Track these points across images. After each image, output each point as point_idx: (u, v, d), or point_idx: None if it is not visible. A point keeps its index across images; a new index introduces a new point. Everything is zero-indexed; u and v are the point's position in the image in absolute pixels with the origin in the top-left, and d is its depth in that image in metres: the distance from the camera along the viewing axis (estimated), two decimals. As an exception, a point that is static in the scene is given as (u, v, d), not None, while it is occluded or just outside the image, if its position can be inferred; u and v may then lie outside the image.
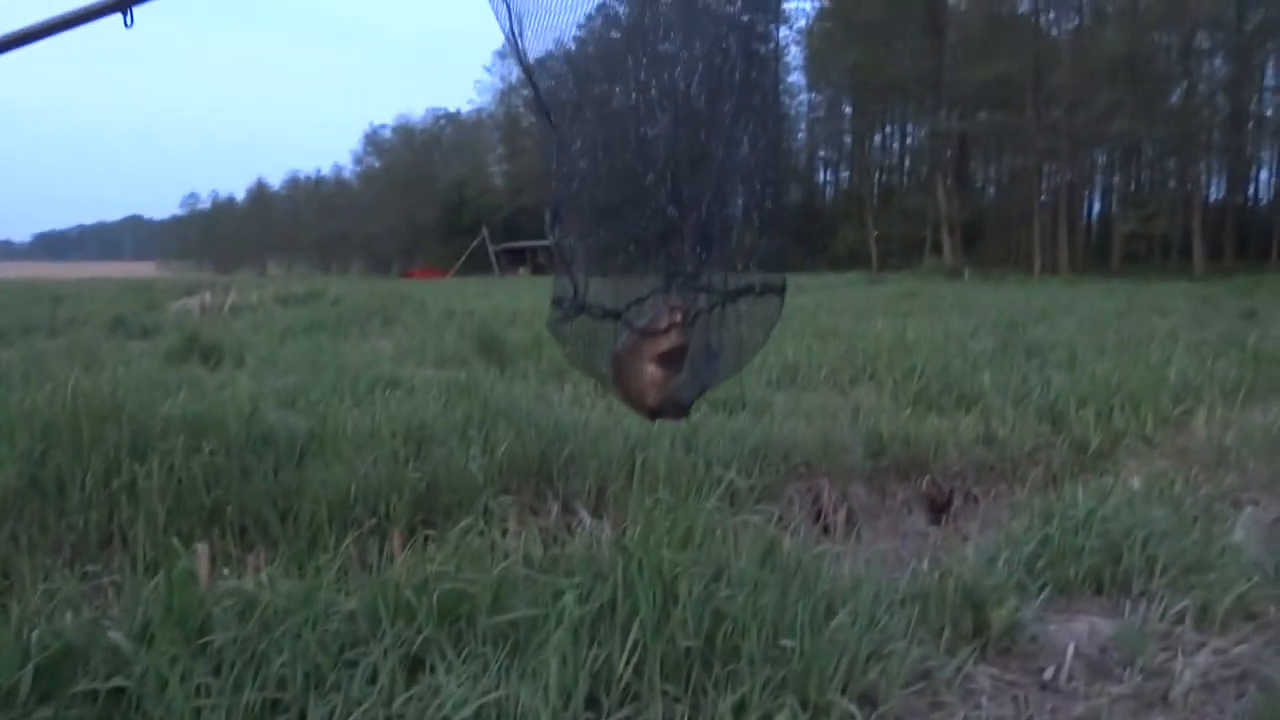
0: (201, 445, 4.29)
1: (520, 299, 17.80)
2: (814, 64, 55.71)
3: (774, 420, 5.89)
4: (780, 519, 5.07)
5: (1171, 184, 43.07)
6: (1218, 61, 41.81)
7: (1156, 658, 2.81)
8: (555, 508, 4.79)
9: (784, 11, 54.17)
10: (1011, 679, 2.77)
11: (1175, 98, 40.07)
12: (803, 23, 52.55)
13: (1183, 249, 39.12)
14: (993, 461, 5.64)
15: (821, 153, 67.54)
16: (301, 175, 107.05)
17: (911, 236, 46.65)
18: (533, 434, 5.05)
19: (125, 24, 1.12)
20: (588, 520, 4.70)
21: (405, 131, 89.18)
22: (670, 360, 1.30)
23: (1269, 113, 44.50)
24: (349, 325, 12.45)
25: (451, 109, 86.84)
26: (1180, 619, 3.03)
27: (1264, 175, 50.96)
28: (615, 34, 1.44)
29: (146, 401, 4.84)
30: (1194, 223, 36.24)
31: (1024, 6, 43.45)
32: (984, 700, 2.64)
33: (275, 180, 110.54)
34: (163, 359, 8.61)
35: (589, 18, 1.37)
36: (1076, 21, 42.27)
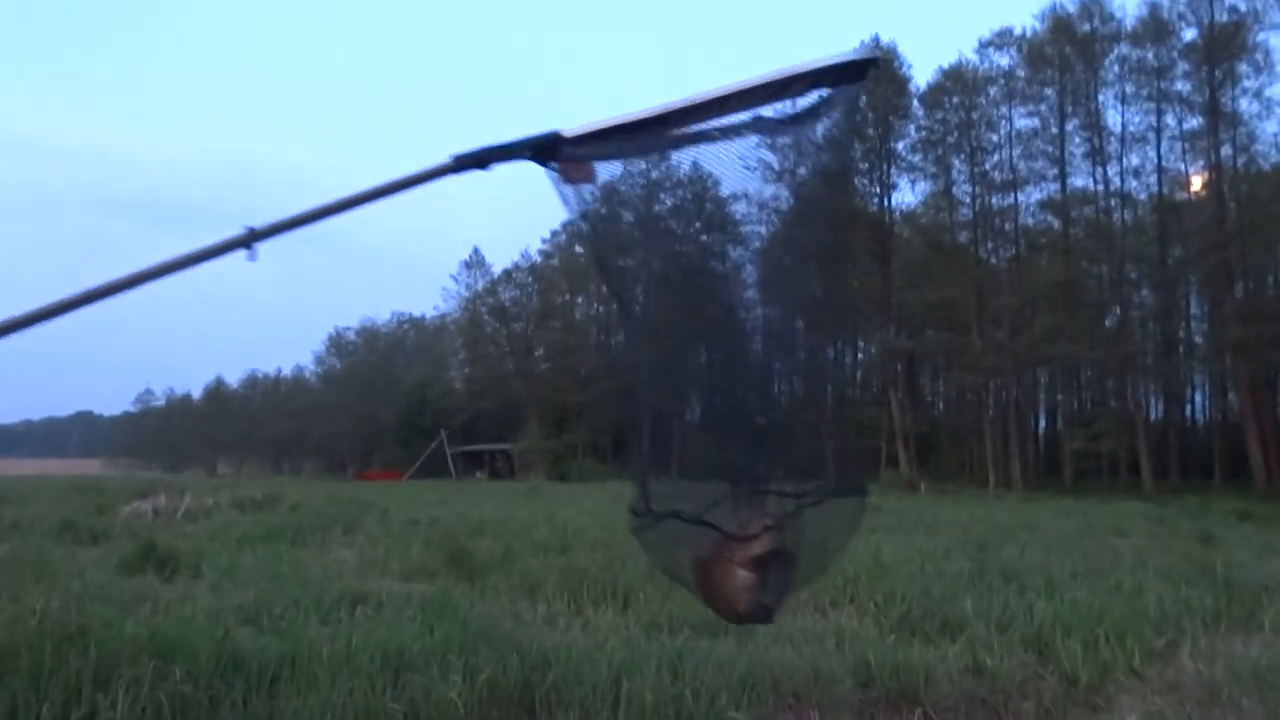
0: (170, 671, 4.06)
1: (482, 506, 17.58)
2: (766, 282, 58.51)
3: (759, 645, 5.75)
4: (771, 755, 4.90)
5: (1113, 404, 44.78)
6: (1145, 291, 44.85)
7: None
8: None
9: (741, 232, 57.77)
10: None
11: (1110, 323, 42.43)
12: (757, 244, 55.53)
13: (1131, 467, 40.17)
14: (983, 694, 5.49)
15: (777, 365, 69.62)
16: (260, 374, 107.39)
17: (867, 449, 47.46)
18: (515, 660, 4.86)
19: (249, 258, 1.18)
20: (573, 756, 4.49)
21: (369, 334, 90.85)
22: (761, 565, 1.29)
23: (1197, 339, 47.29)
24: (309, 533, 12.12)
25: (416, 313, 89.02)
26: None
27: (1198, 398, 53.56)
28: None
29: (112, 620, 4.61)
30: (1140, 442, 37.42)
31: (963, 236, 46.58)
32: None
33: (234, 378, 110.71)
34: (117, 569, 8.26)
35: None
36: (1013, 250, 45.27)
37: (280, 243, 1.20)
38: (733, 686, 5.00)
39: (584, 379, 57.40)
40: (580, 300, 66.71)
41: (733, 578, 1.30)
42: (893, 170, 46.02)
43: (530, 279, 68.35)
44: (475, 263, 67.69)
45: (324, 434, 79.90)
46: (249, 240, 1.24)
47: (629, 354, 1.45)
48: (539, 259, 67.79)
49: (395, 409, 72.02)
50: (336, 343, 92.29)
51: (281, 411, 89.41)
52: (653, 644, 5.69)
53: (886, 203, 46.60)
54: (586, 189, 1.27)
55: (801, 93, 1.07)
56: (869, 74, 1.07)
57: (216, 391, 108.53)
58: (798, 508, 1.30)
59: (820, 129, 1.12)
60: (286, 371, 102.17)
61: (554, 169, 1.30)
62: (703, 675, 5.03)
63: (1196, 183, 41.47)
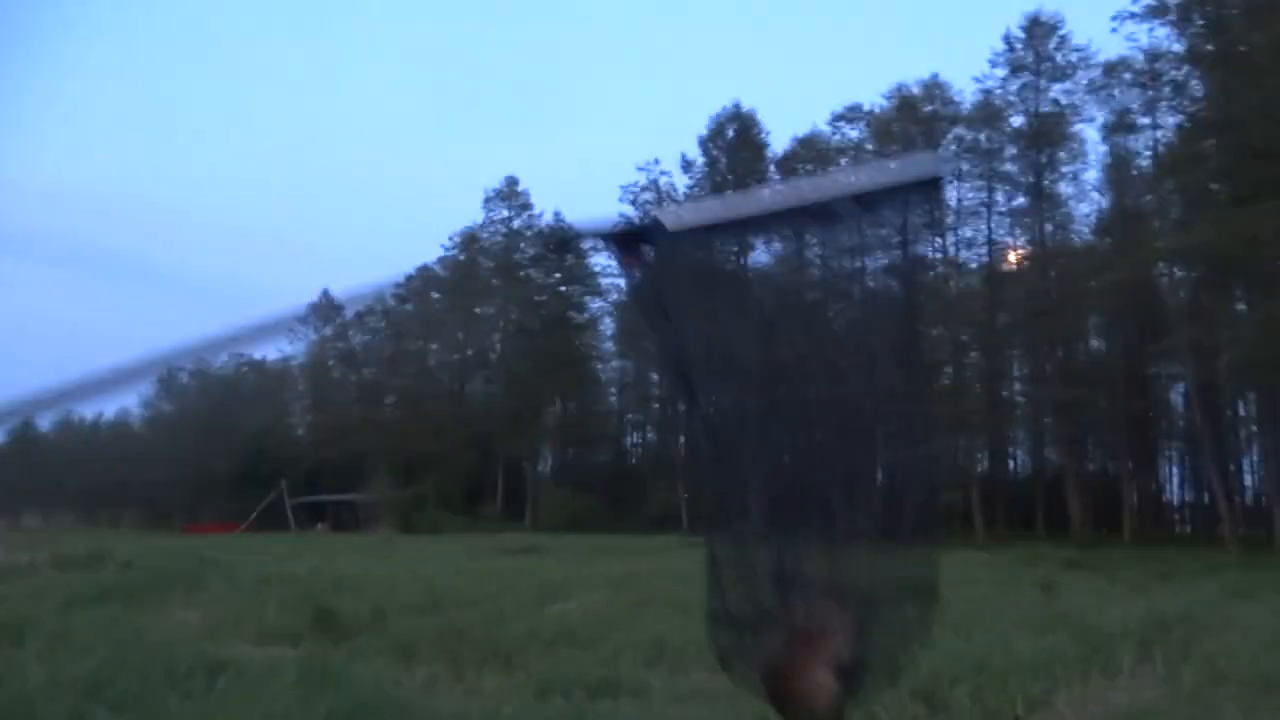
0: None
1: (335, 561, 16.67)
2: (626, 335, 59.26)
3: (657, 705, 5.61)
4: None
5: (949, 459, 47.31)
6: (974, 354, 47.96)
7: None
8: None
9: (598, 284, 57.53)
10: None
11: (947, 381, 45.02)
12: (615, 296, 56.43)
13: (964, 518, 42.43)
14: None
15: (629, 416, 70.24)
16: (76, 417, 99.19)
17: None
18: (411, 732, 4.54)
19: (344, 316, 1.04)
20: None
21: (204, 376, 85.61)
22: (844, 672, 1.19)
23: (1019, 399, 50.79)
24: (146, 593, 11.12)
25: (256, 356, 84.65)
26: None
27: (1018, 454, 57.51)
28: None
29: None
30: (973, 495, 39.62)
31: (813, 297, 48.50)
32: None
33: (44, 422, 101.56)
34: (-77, 637, 7.28)
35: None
36: (859, 314, 47.46)
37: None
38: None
39: (437, 427, 55.94)
40: (435, 347, 65.31)
41: (812, 682, 1.20)
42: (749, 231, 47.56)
43: (383, 323, 66.49)
44: (324, 305, 65.33)
45: (148, 483, 74.33)
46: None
47: (696, 443, 1.34)
48: (392, 303, 66.05)
49: (230, 457, 67.88)
50: (167, 385, 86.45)
51: (100, 458, 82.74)
52: (549, 709, 5.46)
53: (743, 262, 48.01)
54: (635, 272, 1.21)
55: (882, 201, 1.10)
56: (940, 186, 1.12)
57: (23, 436, 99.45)
58: (873, 607, 1.22)
59: (893, 229, 1.15)
60: (109, 414, 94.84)
61: (614, 251, 1.24)
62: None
63: (1021, 256, 44.95)
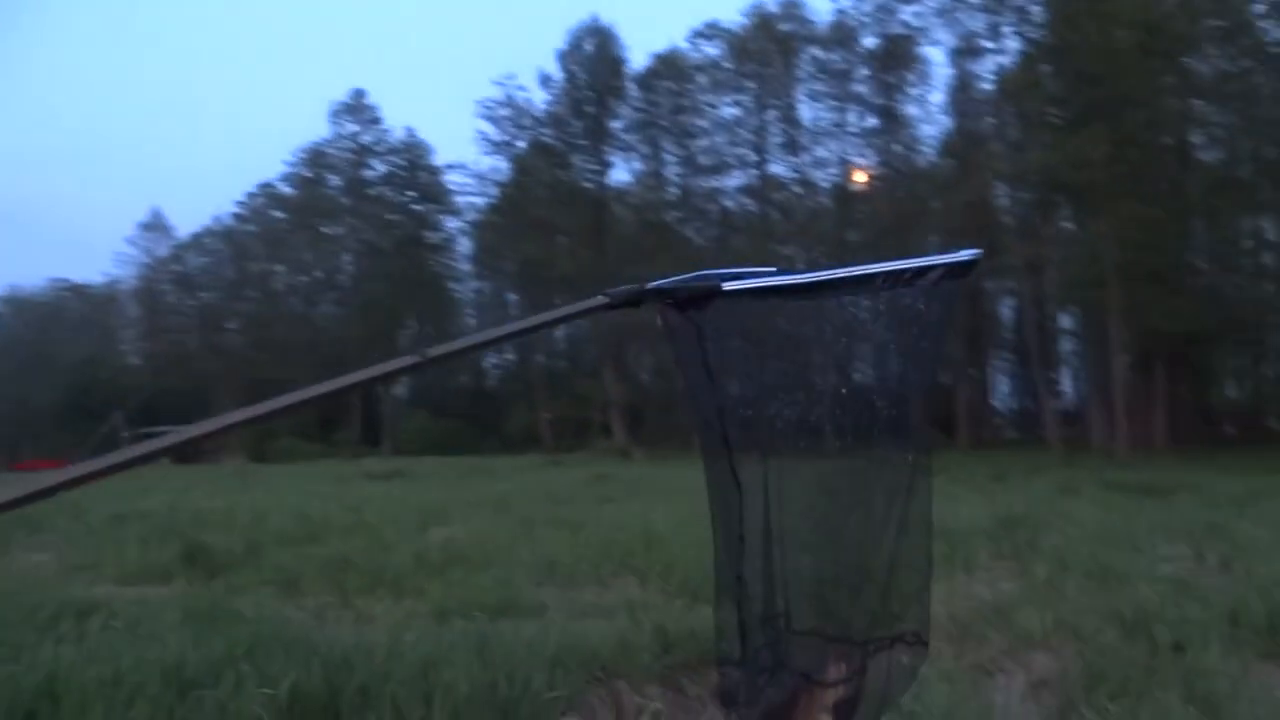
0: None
1: (191, 493, 15.92)
2: (484, 255, 58.15)
3: (560, 623, 5.69)
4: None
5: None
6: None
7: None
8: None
9: (453, 203, 55.94)
10: None
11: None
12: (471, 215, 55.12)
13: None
14: (771, 650, 5.81)
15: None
16: None
17: (581, 418, 48.70)
18: (316, 663, 4.43)
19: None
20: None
21: (19, 303, 78.79)
22: (840, 711, 1.25)
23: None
24: (-16, 536, 10.30)
25: (79, 280, 78.44)
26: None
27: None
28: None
29: None
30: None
31: (672, 216, 48.95)
32: None
33: None
34: None
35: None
36: (717, 231, 48.30)
37: None
38: (543, 666, 4.91)
39: (285, 352, 53.68)
40: (280, 269, 62.15)
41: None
42: (609, 149, 47.28)
43: (224, 245, 62.64)
44: (155, 226, 60.97)
45: (-40, 419, 68.52)
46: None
47: (724, 493, 1.34)
48: (233, 223, 62.23)
49: (55, 389, 63.22)
50: (-24, 312, 79.22)
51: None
52: (451, 632, 5.44)
53: (603, 181, 47.79)
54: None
55: (925, 275, 1.16)
56: (974, 269, 1.23)
57: None
58: (869, 652, 1.27)
59: (934, 302, 1.21)
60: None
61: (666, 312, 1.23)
62: (513, 659, 4.89)
63: (868, 175, 46.54)
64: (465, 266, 62.97)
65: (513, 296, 65.44)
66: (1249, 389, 47.37)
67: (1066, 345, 53.18)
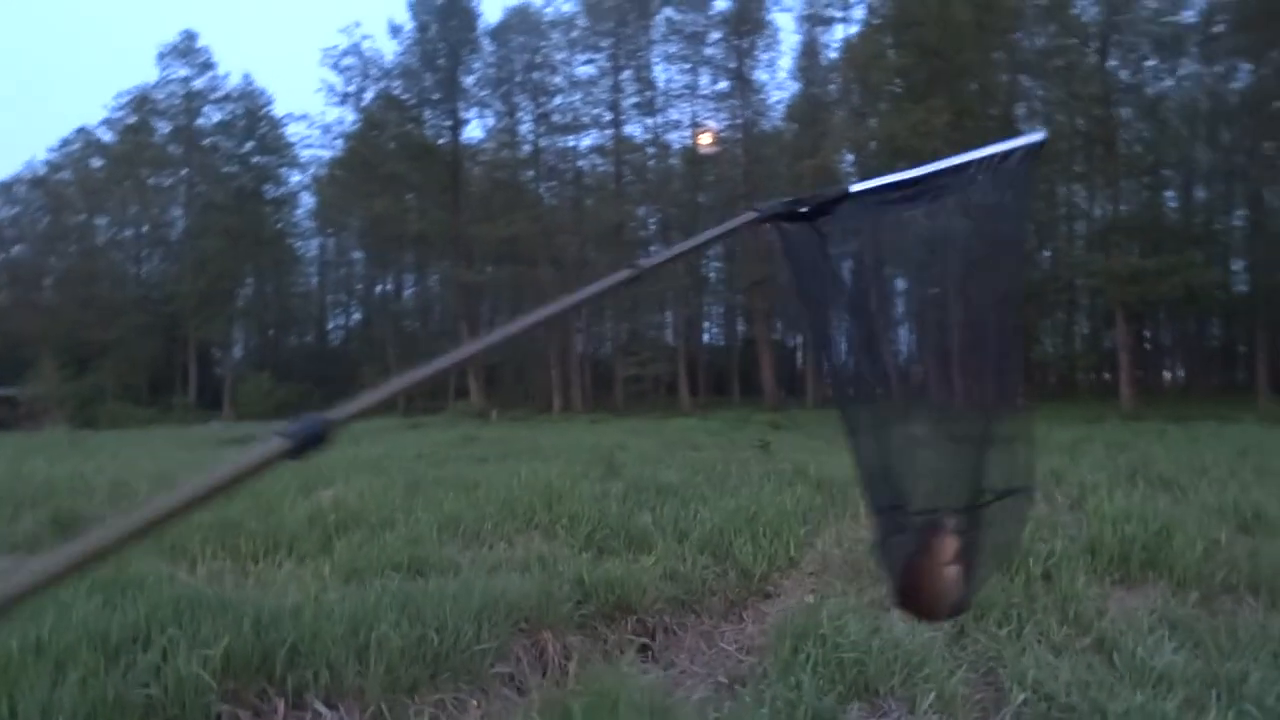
0: None
1: (32, 461, 14.74)
2: (329, 211, 55.77)
3: (477, 577, 5.75)
4: (513, 678, 5.01)
5: (653, 333, 50.17)
6: (677, 234, 50.55)
7: None
8: (282, 705, 4.19)
9: (296, 156, 53.02)
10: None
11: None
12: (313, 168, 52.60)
13: (670, 388, 45.53)
14: (681, 596, 6.07)
15: (331, 296, 66.98)
16: None
17: (437, 380, 47.82)
18: (247, 624, 4.35)
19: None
20: (326, 714, 4.22)
21: None
22: (964, 561, 1.42)
23: (711, 276, 54.48)
24: None
25: None
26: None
27: (713, 327, 62.27)
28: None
29: None
30: (679, 366, 42.50)
31: (527, 174, 48.38)
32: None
33: None
34: None
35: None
36: (572, 191, 48.14)
37: None
38: (470, 620, 4.98)
39: (110, 311, 49.96)
40: (101, 222, 57.48)
41: (942, 574, 1.42)
42: (462, 104, 46.06)
43: (39, 194, 57.24)
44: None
45: None
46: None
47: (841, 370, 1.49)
48: (45, 171, 56.95)
49: None
50: None
51: None
52: (373, 591, 5.41)
53: (456, 137, 46.55)
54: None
55: (1009, 159, 1.33)
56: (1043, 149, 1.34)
57: None
58: (982, 507, 1.44)
59: (1013, 190, 1.38)
60: None
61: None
62: (440, 614, 4.94)
63: (715, 136, 47.41)
64: (309, 223, 60.23)
65: (359, 254, 63.13)
66: (1060, 346, 51.71)
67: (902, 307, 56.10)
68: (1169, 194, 41.26)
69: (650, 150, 48.51)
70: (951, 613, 1.58)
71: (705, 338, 60.77)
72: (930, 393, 1.50)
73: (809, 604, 5.60)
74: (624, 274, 1.14)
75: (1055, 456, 11.63)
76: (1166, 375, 54.43)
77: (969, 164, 1.34)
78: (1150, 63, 35.63)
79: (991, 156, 1.34)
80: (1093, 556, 6.01)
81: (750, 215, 1.28)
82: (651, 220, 49.91)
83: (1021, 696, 3.98)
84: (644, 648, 5.69)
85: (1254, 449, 13.04)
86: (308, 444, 0.80)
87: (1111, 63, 33.68)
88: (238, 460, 0.78)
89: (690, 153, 48.15)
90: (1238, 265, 41.20)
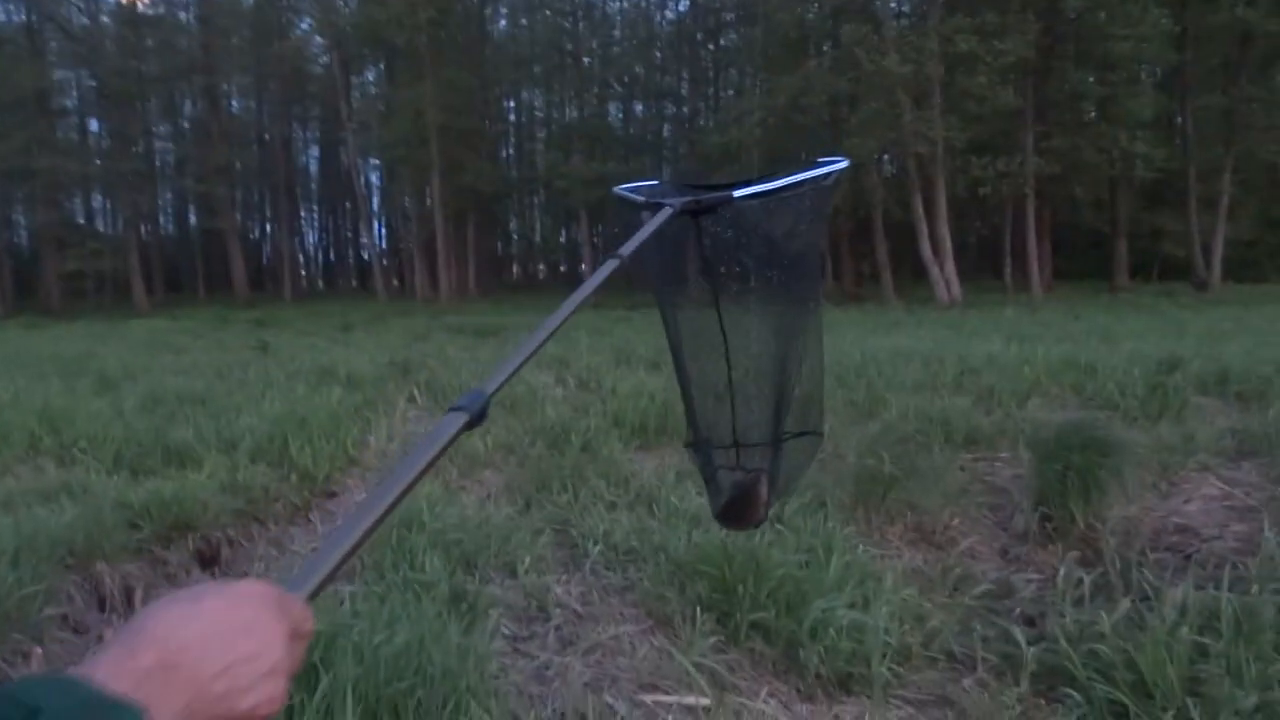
0: None
1: None
2: None
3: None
4: (66, 619, 4.60)
5: (98, 222, 43.40)
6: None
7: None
8: None
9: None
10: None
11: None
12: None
13: (122, 286, 39.98)
14: (243, 507, 5.88)
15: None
16: None
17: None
18: None
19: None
20: None
21: None
22: (770, 487, 1.89)
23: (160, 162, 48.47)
24: None
25: None
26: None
27: (166, 220, 55.67)
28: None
29: None
30: (132, 260, 37.29)
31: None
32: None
33: None
34: None
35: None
36: None
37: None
38: (8, 561, 4.39)
39: None
40: None
41: (758, 506, 1.87)
42: None
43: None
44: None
45: None
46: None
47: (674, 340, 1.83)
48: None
49: None
50: None
51: None
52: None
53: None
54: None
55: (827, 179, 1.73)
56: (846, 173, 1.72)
57: None
58: (780, 446, 1.89)
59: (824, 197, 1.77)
60: None
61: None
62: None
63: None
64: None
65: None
66: (523, 245, 56.15)
67: (379, 201, 55.89)
68: (615, 108, 46.34)
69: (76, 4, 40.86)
70: (755, 527, 2.04)
71: (164, 228, 54.27)
72: (752, 359, 1.88)
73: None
74: (610, 264, 1.31)
75: (553, 345, 12.98)
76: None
77: (812, 178, 1.69)
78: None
79: (826, 175, 1.70)
80: (619, 428, 7.07)
81: (668, 211, 1.52)
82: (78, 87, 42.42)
83: (596, 548, 4.72)
84: (211, 562, 5.47)
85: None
86: (480, 416, 0.96)
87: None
88: (429, 441, 0.91)
89: (127, 11, 41.47)
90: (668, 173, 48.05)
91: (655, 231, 1.57)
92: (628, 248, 1.35)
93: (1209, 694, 3.33)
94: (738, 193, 1.58)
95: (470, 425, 0.95)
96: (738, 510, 1.82)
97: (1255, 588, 4.07)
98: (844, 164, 1.69)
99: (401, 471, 0.87)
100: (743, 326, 1.81)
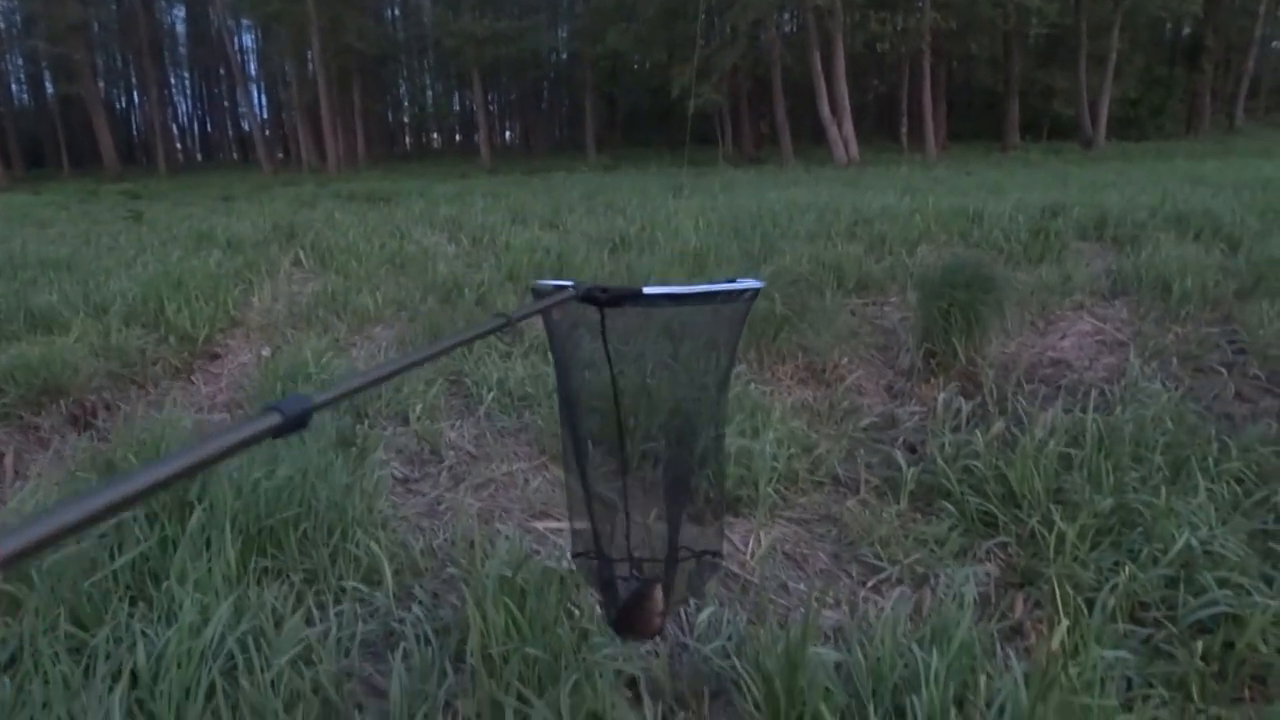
0: None
1: None
2: None
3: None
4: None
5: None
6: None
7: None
8: None
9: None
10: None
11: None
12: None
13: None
14: (118, 370, 5.64)
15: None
16: None
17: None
18: None
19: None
20: None
21: None
22: (665, 598, 1.88)
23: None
24: None
25: None
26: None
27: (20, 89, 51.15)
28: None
29: None
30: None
31: None
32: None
33: None
34: None
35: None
36: None
37: None
38: None
39: None
40: None
41: (654, 616, 1.86)
42: None
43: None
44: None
45: None
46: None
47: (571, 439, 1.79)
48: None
49: None
50: None
51: None
52: None
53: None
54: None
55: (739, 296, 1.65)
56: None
57: None
58: (677, 563, 1.85)
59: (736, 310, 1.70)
60: None
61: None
62: None
63: None
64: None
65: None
66: (415, 112, 53.74)
67: (256, 65, 52.46)
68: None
69: None
70: (650, 638, 2.04)
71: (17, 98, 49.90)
72: (652, 469, 1.87)
73: (266, 356, 5.64)
74: (495, 322, 1.24)
75: (447, 207, 12.62)
76: (507, 134, 60.39)
77: (721, 292, 1.63)
78: None
79: (741, 290, 1.64)
80: (512, 280, 6.97)
81: (570, 293, 1.48)
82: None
83: (491, 395, 4.69)
84: (87, 427, 5.25)
85: (596, 191, 15.64)
86: (297, 423, 0.83)
87: None
88: (228, 433, 0.78)
89: None
90: (564, 32, 46.18)
91: (570, 320, 1.63)
92: (519, 314, 1.30)
93: (1071, 499, 3.56)
94: (646, 290, 1.56)
95: (281, 431, 0.83)
96: (632, 619, 1.83)
97: (1119, 409, 4.34)
98: (759, 285, 1.69)
99: (181, 454, 0.75)
100: (643, 424, 1.83)
